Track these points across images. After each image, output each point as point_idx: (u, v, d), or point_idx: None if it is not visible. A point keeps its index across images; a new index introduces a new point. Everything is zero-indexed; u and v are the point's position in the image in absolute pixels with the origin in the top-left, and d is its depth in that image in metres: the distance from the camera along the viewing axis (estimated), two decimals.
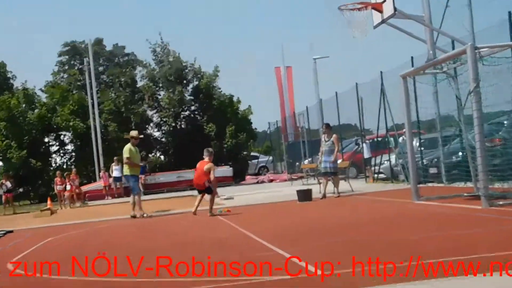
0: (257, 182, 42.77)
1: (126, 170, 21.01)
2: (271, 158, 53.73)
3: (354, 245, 10.44)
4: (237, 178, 45.79)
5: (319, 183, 23.79)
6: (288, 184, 36.42)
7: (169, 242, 13.49)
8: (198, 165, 19.06)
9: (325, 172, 21.45)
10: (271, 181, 42.12)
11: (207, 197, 19.38)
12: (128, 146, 21.18)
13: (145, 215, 20.98)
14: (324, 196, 21.06)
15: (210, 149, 19.12)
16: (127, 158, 20.89)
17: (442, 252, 8.94)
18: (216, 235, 13.81)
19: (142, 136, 24.41)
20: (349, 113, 30.34)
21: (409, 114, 17.83)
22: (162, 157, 53.04)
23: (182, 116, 51.71)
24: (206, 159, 18.72)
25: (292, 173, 40.85)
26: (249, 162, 52.00)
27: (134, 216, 21.01)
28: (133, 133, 21.89)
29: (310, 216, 16.19)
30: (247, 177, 46.79)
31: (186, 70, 51.42)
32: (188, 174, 40.43)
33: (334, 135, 21.43)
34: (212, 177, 18.49)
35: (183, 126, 51.56)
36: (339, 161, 22.94)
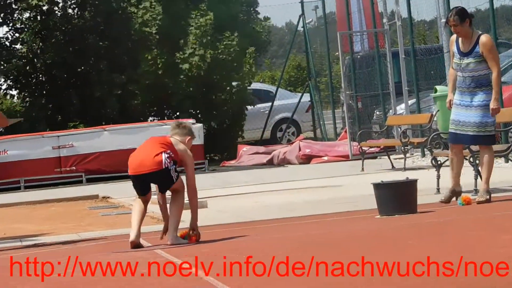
0: (270, 162, 20.70)
1: None
2: (306, 99, 26.38)
3: None
4: (217, 151, 23.78)
5: (436, 166, 11.76)
6: (354, 166, 17.52)
7: None
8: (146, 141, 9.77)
9: (459, 135, 10.13)
10: (306, 158, 20.21)
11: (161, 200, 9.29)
12: None
13: None
14: (452, 195, 10.04)
15: (187, 123, 9.68)
16: None
17: None
18: None
19: None
20: None
21: None
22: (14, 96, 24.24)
23: None
24: (175, 139, 9.30)
25: (362, 139, 18.58)
26: (248, 109, 24.62)
27: None
28: None
29: None
30: (244, 148, 22.10)
31: None
32: (86, 141, 19.79)
33: (483, 38, 9.98)
34: (188, 160, 9.02)
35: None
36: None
